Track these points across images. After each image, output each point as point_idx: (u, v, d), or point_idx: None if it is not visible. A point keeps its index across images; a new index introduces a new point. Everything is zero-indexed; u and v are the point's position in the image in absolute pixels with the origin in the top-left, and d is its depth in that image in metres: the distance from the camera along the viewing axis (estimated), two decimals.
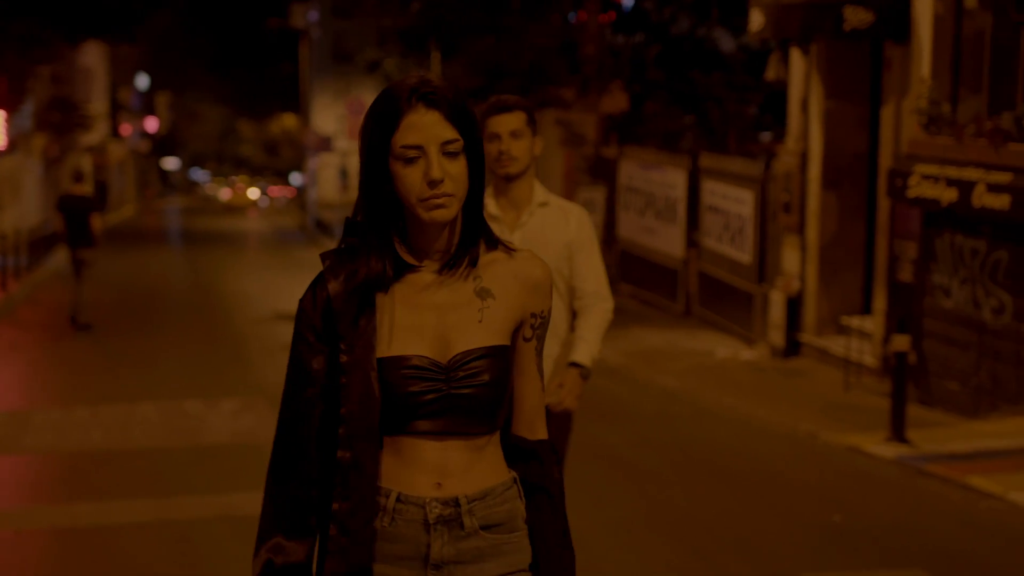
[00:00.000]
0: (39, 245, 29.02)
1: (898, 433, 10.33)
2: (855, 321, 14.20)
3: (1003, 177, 11.01)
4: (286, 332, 16.95)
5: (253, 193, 76.31)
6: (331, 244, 34.91)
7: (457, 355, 2.75)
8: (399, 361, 2.73)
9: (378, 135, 2.73)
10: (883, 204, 13.35)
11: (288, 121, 77.67)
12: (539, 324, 2.88)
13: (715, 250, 17.69)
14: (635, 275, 20.83)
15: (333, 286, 2.77)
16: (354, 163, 55.84)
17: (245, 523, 7.79)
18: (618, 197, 21.62)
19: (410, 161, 2.71)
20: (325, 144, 45.50)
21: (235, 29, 74.74)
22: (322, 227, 41.92)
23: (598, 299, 5.48)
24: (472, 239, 2.81)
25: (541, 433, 2.91)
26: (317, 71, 61.70)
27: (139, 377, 13.97)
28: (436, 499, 2.75)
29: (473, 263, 2.81)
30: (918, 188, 12.11)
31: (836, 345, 14.18)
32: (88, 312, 17.81)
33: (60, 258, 30.19)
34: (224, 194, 77.98)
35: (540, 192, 5.44)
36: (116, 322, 18.21)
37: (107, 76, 52.59)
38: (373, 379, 2.72)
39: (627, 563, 7.24)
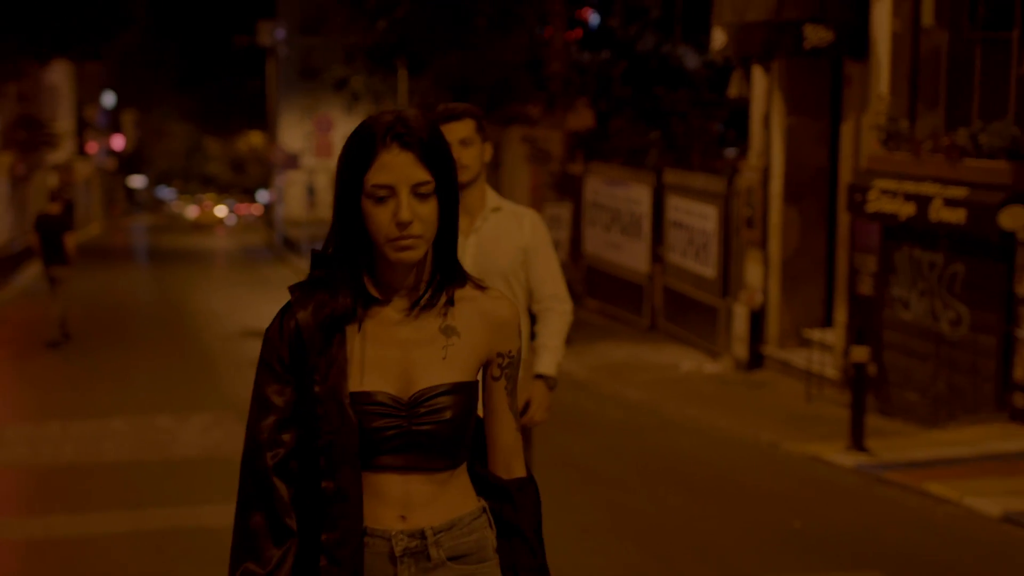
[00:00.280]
0: (7, 263, 29.03)
1: (858, 442, 10.55)
2: (817, 334, 14.43)
3: (959, 192, 11.26)
4: (254, 348, 17.02)
5: (221, 211, 76.19)
6: (298, 261, 35.01)
7: (418, 392, 2.75)
8: (362, 397, 2.74)
9: (351, 171, 2.73)
10: (843, 218, 13.60)
11: (255, 138, 77.73)
12: (507, 364, 2.87)
13: (680, 265, 17.91)
14: (601, 290, 21.04)
15: (302, 316, 2.77)
16: (321, 181, 55.96)
17: (217, 534, 7.93)
18: (584, 213, 21.84)
19: (380, 200, 2.70)
20: (292, 161, 45.59)
21: (202, 46, 74.79)
22: (289, 244, 41.99)
23: (556, 301, 5.49)
24: (449, 278, 2.81)
25: (518, 471, 2.91)
26: (284, 88, 61.80)
27: (109, 393, 14.08)
28: (402, 531, 2.76)
29: (450, 302, 2.81)
30: (877, 203, 12.35)
31: (798, 357, 14.41)
32: (58, 330, 17.89)
33: (29, 276, 30.21)
34: (191, 212, 77.81)
35: (492, 198, 5.43)
36: (85, 339, 18.29)
37: (73, 94, 52.52)
38: (348, 407, 2.72)
39: (592, 566, 7.42)
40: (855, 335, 11.21)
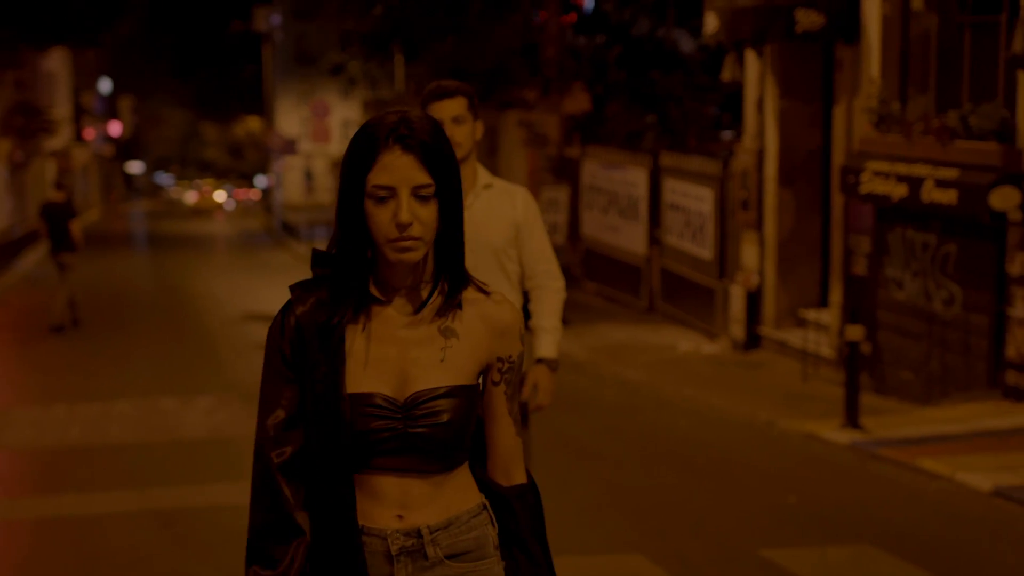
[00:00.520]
0: (7, 250, 29.18)
1: (852, 420, 10.73)
2: (812, 314, 14.61)
3: (950, 173, 11.42)
4: (255, 332, 17.26)
5: (219, 196, 76.33)
6: (297, 246, 35.16)
7: (414, 394, 2.75)
8: (360, 398, 2.74)
9: (354, 171, 2.74)
10: (837, 200, 13.77)
11: (252, 124, 77.74)
12: (507, 368, 2.87)
13: (677, 247, 18.08)
14: (599, 272, 21.22)
15: (302, 314, 2.79)
16: (318, 165, 56.06)
17: (225, 511, 8.14)
18: (581, 196, 22.00)
19: (381, 201, 2.71)
20: (289, 147, 45.67)
21: (198, 32, 74.75)
22: (288, 229, 42.12)
23: (549, 277, 5.55)
24: (457, 284, 2.82)
25: (518, 477, 2.91)
26: (280, 74, 61.88)
27: (114, 376, 14.27)
28: (398, 531, 2.77)
29: (457, 306, 2.81)
30: (870, 184, 12.52)
31: (794, 337, 14.59)
32: (64, 315, 18.09)
33: (31, 262, 30.37)
34: (190, 197, 77.94)
35: (484, 175, 5.45)
36: (88, 324, 18.47)
37: (70, 81, 52.61)
38: (343, 408, 2.73)
39: (591, 542, 7.60)
40: (849, 315, 11.39)
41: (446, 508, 2.80)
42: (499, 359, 2.86)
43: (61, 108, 46.76)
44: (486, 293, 2.86)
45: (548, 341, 5.54)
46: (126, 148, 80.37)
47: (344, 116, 55.67)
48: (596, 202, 21.38)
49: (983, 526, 8.08)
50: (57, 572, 7.30)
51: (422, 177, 2.72)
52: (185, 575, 7.12)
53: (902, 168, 12.06)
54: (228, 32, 69.06)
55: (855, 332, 10.86)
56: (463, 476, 2.85)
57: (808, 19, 13.19)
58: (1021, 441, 9.98)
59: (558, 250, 19.73)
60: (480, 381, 2.86)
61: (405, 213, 2.70)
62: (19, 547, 7.88)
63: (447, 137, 2.81)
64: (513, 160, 26.99)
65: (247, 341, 16.61)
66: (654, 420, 11.84)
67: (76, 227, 17.98)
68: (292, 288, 2.84)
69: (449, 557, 2.79)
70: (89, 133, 58.89)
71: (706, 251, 16.94)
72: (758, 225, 15.47)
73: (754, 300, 15.51)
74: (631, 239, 19.74)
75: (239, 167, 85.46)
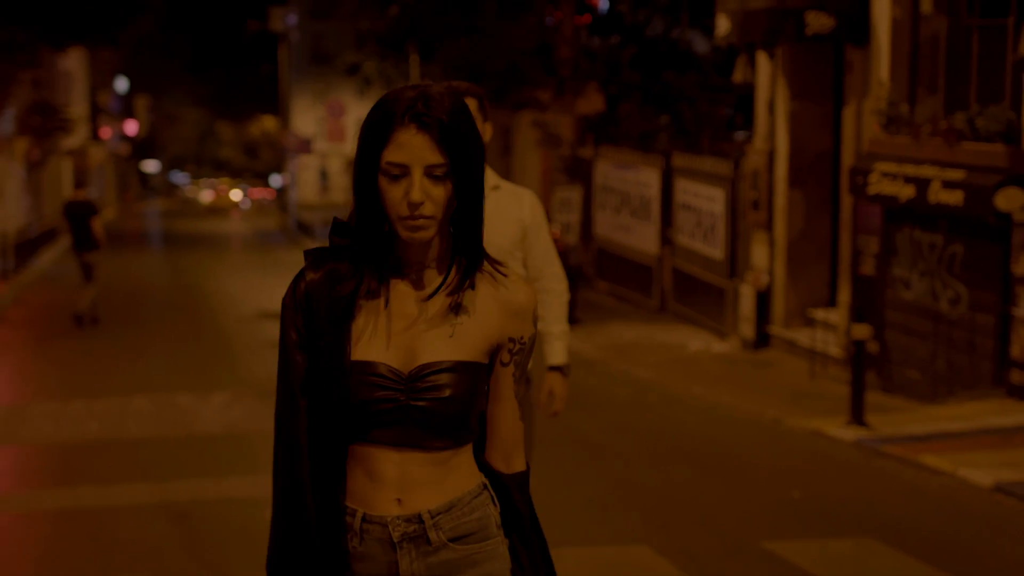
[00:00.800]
0: (25, 248, 29.42)
1: (858, 417, 10.87)
2: (821, 313, 14.74)
3: (957, 174, 11.56)
4: (270, 330, 17.45)
5: (236, 195, 76.61)
6: (312, 244, 35.34)
7: (419, 366, 2.73)
8: (363, 366, 2.72)
9: (369, 147, 2.71)
10: (846, 201, 13.91)
11: (268, 123, 78.01)
12: (518, 350, 2.83)
13: (688, 247, 18.23)
14: (611, 272, 21.37)
15: (313, 281, 2.78)
16: (334, 165, 56.25)
17: (241, 504, 8.33)
18: (594, 196, 22.16)
19: (395, 178, 2.68)
20: (305, 146, 45.91)
21: (214, 32, 75.01)
22: (303, 228, 42.34)
23: (554, 280, 5.62)
24: (473, 264, 2.79)
25: (517, 464, 2.88)
26: (296, 73, 62.07)
27: (131, 373, 14.46)
28: (399, 517, 2.74)
29: (471, 286, 2.78)
30: (878, 185, 12.65)
31: (803, 336, 14.73)
32: (88, 306, 18.43)
33: (48, 260, 30.62)
34: (206, 196, 78.20)
35: (492, 177, 5.47)
36: (105, 321, 18.67)
37: (87, 80, 52.87)
38: (345, 376, 2.71)
39: (599, 535, 7.77)
40: (856, 314, 11.53)
41: (447, 491, 2.77)
42: (511, 339, 2.81)
43: (77, 107, 47.03)
44: (502, 274, 2.83)
45: (558, 348, 5.63)
46: (142, 147, 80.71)
47: (359, 116, 55.79)
48: (609, 202, 21.53)
49: (983, 521, 8.22)
50: (75, 562, 7.48)
51: (436, 157, 2.67)
52: (200, 565, 7.29)
53: (910, 169, 12.20)
54: (244, 32, 69.29)
55: (861, 331, 11.00)
56: (465, 457, 2.81)
57: (818, 21, 13.34)
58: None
59: (571, 250, 19.90)
60: (489, 361, 2.82)
61: (416, 192, 2.67)
62: (39, 537, 8.06)
63: (469, 113, 2.74)
64: (527, 160, 27.15)
65: (262, 339, 16.80)
66: (663, 417, 12.00)
67: (98, 225, 18.29)
68: (306, 254, 2.84)
69: (452, 540, 2.76)
70: (105, 132, 59.16)
71: (717, 251, 17.09)
72: (768, 225, 15.61)
73: (764, 300, 15.65)
74: (643, 239, 19.89)
75: (254, 166, 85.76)
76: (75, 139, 45.52)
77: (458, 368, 2.73)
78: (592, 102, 23.88)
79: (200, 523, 8.14)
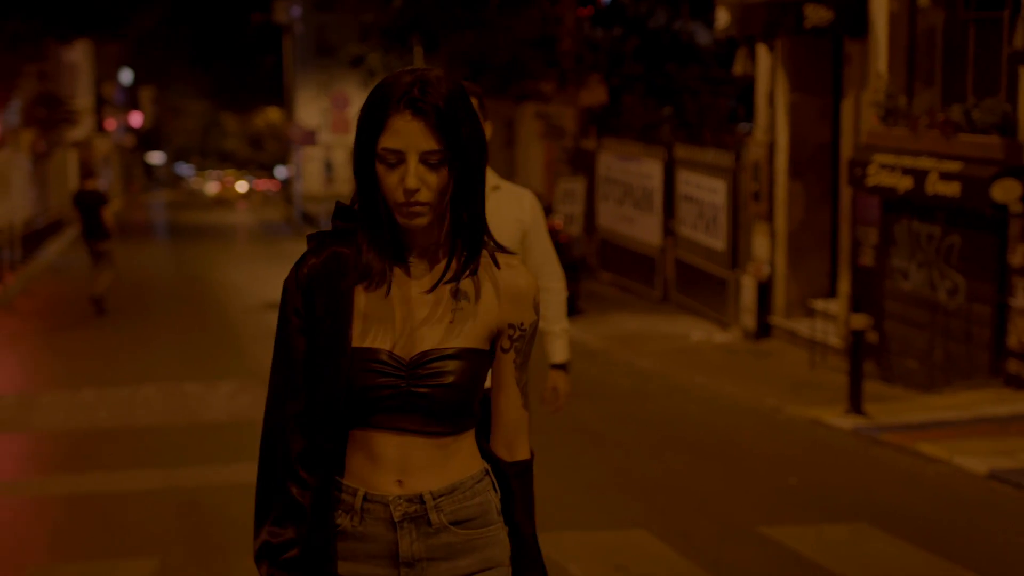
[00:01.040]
0: (31, 239, 29.60)
1: (856, 406, 11.03)
2: (821, 304, 14.89)
3: (953, 166, 11.70)
4: (275, 320, 17.58)
5: (242, 187, 76.78)
6: None
7: (420, 353, 2.72)
8: (364, 353, 2.71)
9: (366, 133, 2.70)
10: (845, 192, 14.05)
11: (272, 115, 78.13)
12: (518, 336, 2.81)
13: (690, 238, 18.38)
14: (614, 263, 21.53)
15: (314, 265, 2.77)
16: (338, 156, 56.39)
17: (248, 489, 8.43)
18: (597, 188, 22.31)
19: (391, 165, 2.67)
20: (309, 138, 45.98)
21: (218, 23, 75.13)
22: (308, 220, 42.49)
23: (553, 278, 5.70)
24: (474, 252, 2.76)
25: (521, 452, 2.88)
26: (300, 65, 62.21)
27: (139, 362, 14.64)
28: (400, 496, 2.73)
29: (473, 272, 2.77)
30: (876, 177, 12.80)
31: (804, 327, 14.88)
32: (103, 292, 18.74)
33: (55, 251, 30.79)
34: (211, 188, 78.37)
35: (492, 177, 5.48)
36: (113, 312, 18.85)
37: (92, 72, 53.03)
38: (344, 361, 2.71)
39: (598, 519, 7.93)
40: (854, 304, 11.68)
41: (448, 474, 2.76)
42: (510, 325, 2.80)
43: (83, 99, 47.17)
44: (504, 257, 2.82)
45: (560, 346, 5.76)
46: (147, 138, 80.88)
47: None
48: (612, 193, 21.68)
49: (977, 507, 8.38)
50: (85, 545, 7.66)
51: (431, 143, 2.65)
52: (207, 548, 7.46)
53: (908, 161, 12.34)
54: (248, 23, 69.39)
55: (859, 321, 11.15)
56: (467, 442, 2.80)
57: (817, 14, 13.48)
58: (1019, 427, 10.27)
59: (574, 241, 20.05)
60: (490, 347, 2.81)
61: (412, 179, 2.65)
62: (50, 521, 8.24)
63: (467, 97, 2.72)
64: (530, 152, 27.30)
65: (267, 329, 16.95)
66: (664, 406, 12.15)
67: (108, 214, 18.64)
68: (309, 238, 2.83)
69: (454, 524, 2.76)
70: (110, 124, 59.33)
71: (719, 242, 17.24)
72: (769, 217, 15.76)
73: (765, 290, 15.80)
74: (646, 230, 20.04)
75: (259, 158, 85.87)
76: (80, 131, 45.70)
77: (459, 355, 2.73)
78: (595, 94, 24.00)
79: (207, 508, 8.31)
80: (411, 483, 2.74)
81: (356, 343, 2.72)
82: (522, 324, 2.81)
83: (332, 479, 2.74)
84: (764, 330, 15.82)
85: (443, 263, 2.76)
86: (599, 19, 25.55)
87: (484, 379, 2.79)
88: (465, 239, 2.74)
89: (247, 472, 8.93)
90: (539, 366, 5.23)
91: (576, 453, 9.74)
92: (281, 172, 76.69)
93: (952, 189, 11.70)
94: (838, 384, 12.42)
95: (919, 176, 12.14)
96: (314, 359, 2.74)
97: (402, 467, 2.74)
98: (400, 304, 2.75)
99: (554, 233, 17.43)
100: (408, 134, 2.65)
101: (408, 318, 2.74)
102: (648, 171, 19.93)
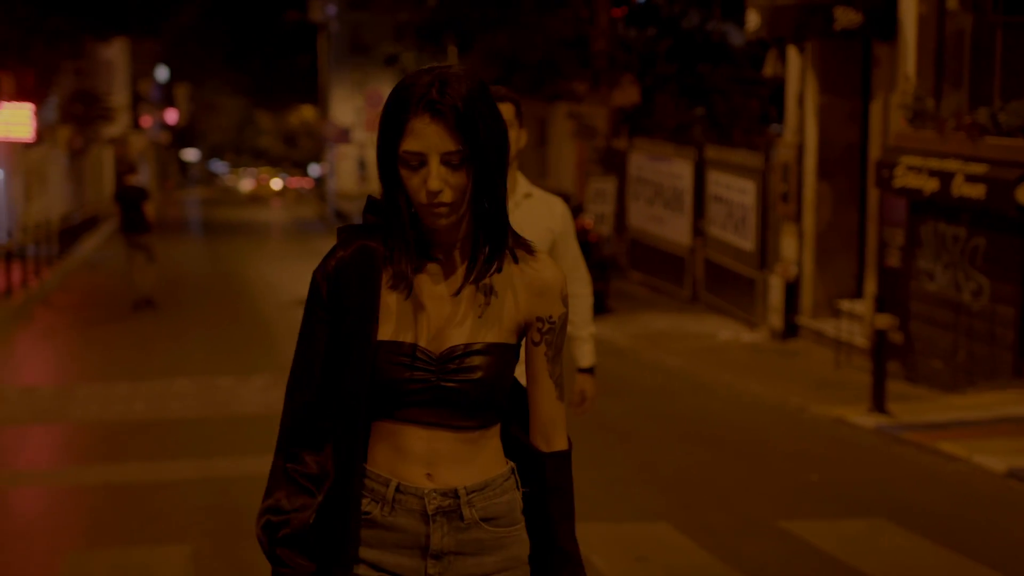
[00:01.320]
0: (67, 234, 29.93)
1: (879, 405, 11.15)
2: (847, 304, 15.00)
3: (979, 168, 11.81)
4: None
5: (276, 184, 77.18)
6: None
7: (450, 348, 2.74)
8: (393, 346, 2.73)
9: (387, 136, 2.71)
10: (872, 194, 14.16)
11: (306, 113, 78.52)
12: (547, 329, 2.82)
13: (720, 238, 18.51)
14: (644, 263, 21.67)
15: (343, 258, 2.79)
16: (372, 155, 56.55)
17: None
18: (628, 187, 22.45)
19: (413, 168, 2.68)
20: (343, 136, 46.28)
21: (253, 22, 75.56)
22: (342, 217, 42.76)
23: (581, 284, 5.78)
24: (498, 249, 2.77)
25: (558, 443, 2.88)
26: (335, 63, 62.50)
27: (173, 356, 14.89)
28: (435, 490, 2.75)
29: (499, 269, 2.78)
30: (903, 178, 12.91)
31: (830, 327, 14.99)
32: (149, 290, 19.14)
33: (91, 246, 31.11)
34: (246, 185, 78.78)
35: (524, 184, 5.56)
36: (147, 307, 19.10)
37: (128, 69, 53.41)
38: (369, 354, 2.73)
39: (621, 512, 8.10)
40: (878, 304, 11.79)
41: (481, 470, 2.78)
42: (539, 319, 2.81)
43: (119, 96, 47.55)
44: (530, 253, 2.83)
45: (587, 350, 5.88)
46: (182, 136, 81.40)
47: None
48: (642, 193, 21.82)
49: (995, 504, 8.50)
50: (121, 532, 7.87)
51: (452, 144, 2.66)
52: (238, 535, 7.65)
53: (934, 163, 12.45)
54: (284, 22, 69.79)
55: (883, 320, 11.28)
56: (493, 439, 2.83)
57: (847, 17, 13.59)
58: None
59: (605, 240, 20.21)
60: (518, 341, 2.83)
61: (434, 180, 2.66)
62: (87, 509, 8.47)
63: (487, 95, 2.73)
64: (562, 151, 27.45)
65: (299, 325, 17.15)
66: (690, 404, 12.30)
67: (150, 208, 19.02)
68: (339, 231, 2.85)
69: (484, 520, 2.78)
70: (146, 121, 59.76)
71: (748, 242, 17.36)
72: (797, 217, 15.88)
73: (792, 290, 15.92)
74: (676, 230, 20.18)
75: (293, 155, 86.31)
76: (116, 127, 46.08)
77: (489, 350, 2.75)
78: (627, 94, 24.11)
79: (239, 497, 8.50)
80: (441, 477, 2.76)
81: (385, 336, 2.75)
82: (551, 317, 2.82)
83: (357, 466, 2.76)
84: (791, 330, 15.94)
85: (468, 260, 2.78)
86: (633, 19, 25.65)
87: (512, 374, 2.82)
88: (488, 235, 2.75)
89: None
90: (567, 370, 5.41)
91: (602, 448, 9.90)
92: (315, 170, 77.09)
93: (978, 191, 11.80)
94: (862, 383, 12.53)
95: (945, 178, 12.24)
96: (339, 350, 2.77)
97: (429, 460, 2.76)
98: (428, 299, 2.77)
99: (584, 232, 17.60)
100: (428, 136, 2.66)
101: (436, 315, 2.76)
102: (679, 171, 20.07)
